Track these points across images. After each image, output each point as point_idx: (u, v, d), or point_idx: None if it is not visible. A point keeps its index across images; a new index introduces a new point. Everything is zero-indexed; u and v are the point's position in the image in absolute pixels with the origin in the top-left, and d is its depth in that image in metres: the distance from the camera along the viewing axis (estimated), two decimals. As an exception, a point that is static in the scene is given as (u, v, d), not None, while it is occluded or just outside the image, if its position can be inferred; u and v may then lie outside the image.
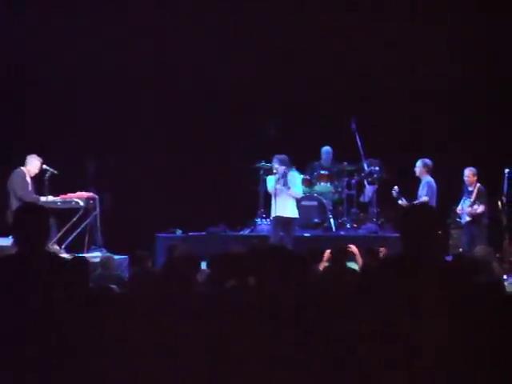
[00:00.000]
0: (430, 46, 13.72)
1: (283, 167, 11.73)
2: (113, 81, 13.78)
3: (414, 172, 12.02)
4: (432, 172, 11.97)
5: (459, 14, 13.41)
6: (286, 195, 11.79)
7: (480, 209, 11.85)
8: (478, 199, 11.90)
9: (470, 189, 12.05)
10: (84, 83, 13.73)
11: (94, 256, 11.46)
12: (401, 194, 11.93)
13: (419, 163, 12.02)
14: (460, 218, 12.29)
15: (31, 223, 4.16)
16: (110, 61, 13.77)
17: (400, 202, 11.91)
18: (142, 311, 4.17)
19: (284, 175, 11.72)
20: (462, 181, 12.13)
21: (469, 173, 12.07)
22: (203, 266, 7.72)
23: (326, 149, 13.92)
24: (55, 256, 4.42)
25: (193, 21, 13.87)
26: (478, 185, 12.02)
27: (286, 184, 11.74)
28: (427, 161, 12.03)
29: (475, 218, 11.87)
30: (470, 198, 11.98)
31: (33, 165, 11.86)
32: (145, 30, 13.78)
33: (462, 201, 12.12)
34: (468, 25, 13.33)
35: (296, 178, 12.06)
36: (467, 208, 11.97)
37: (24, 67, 13.55)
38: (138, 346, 4.11)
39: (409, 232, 3.98)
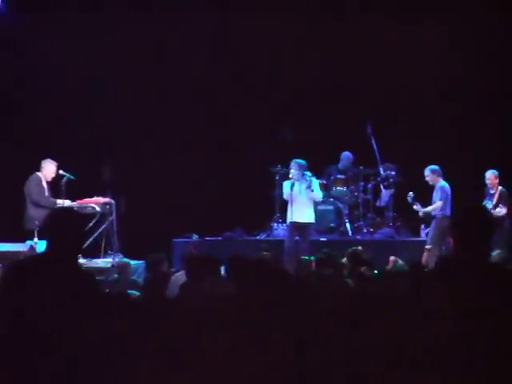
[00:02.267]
0: (445, 47, 13.68)
1: (298, 172, 11.72)
2: (127, 86, 13.81)
3: (427, 182, 11.98)
4: (443, 175, 11.92)
5: (471, 14, 13.37)
6: (303, 200, 11.78)
7: (503, 211, 11.75)
8: (500, 201, 11.81)
9: (492, 191, 11.96)
10: (99, 88, 13.76)
11: (111, 261, 11.50)
12: (415, 199, 11.90)
13: (427, 172, 11.96)
14: None
15: (70, 228, 4.20)
16: (124, 65, 13.81)
17: (415, 207, 11.89)
18: (159, 315, 4.18)
19: (301, 179, 11.71)
20: (484, 184, 12.05)
21: (491, 175, 11.98)
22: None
23: (347, 154, 13.87)
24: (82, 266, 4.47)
25: (204, 20, 13.87)
26: (500, 187, 11.93)
27: (309, 186, 11.75)
28: (433, 167, 11.97)
29: (497, 220, 11.76)
30: (491, 200, 11.89)
31: (48, 169, 11.89)
32: (154, 32, 13.80)
33: (484, 203, 12.00)
34: (482, 25, 13.30)
35: (314, 182, 12.04)
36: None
37: (38, 72, 13.60)
38: (157, 350, 4.11)
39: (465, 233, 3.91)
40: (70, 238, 4.19)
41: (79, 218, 4.42)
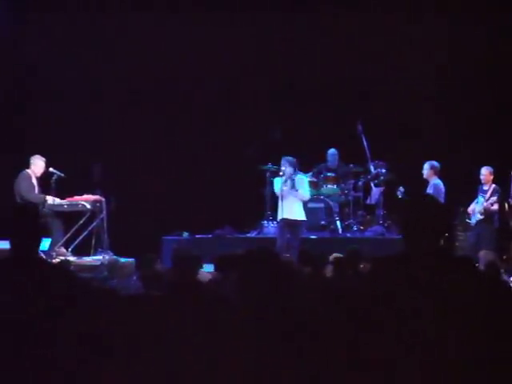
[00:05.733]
0: (436, 46, 13.70)
1: (290, 169, 11.72)
2: (119, 82, 13.82)
3: (422, 174, 11.99)
4: (439, 174, 11.93)
5: (462, 14, 13.39)
6: (293, 197, 11.77)
7: (495, 206, 11.75)
8: (493, 196, 11.80)
9: (485, 188, 11.96)
10: (89, 85, 13.75)
11: (101, 259, 11.48)
12: (406, 194, 11.89)
13: (426, 166, 11.99)
14: (469, 219, 12.14)
15: (22, 225, 4.12)
16: (114, 61, 13.81)
17: (406, 203, 11.86)
18: (149, 313, 4.16)
19: (291, 177, 11.71)
20: (478, 180, 12.03)
21: (485, 171, 11.96)
22: (210, 268, 7.74)
23: (332, 151, 13.92)
24: (44, 260, 4.38)
25: (203, 20, 13.87)
26: (494, 185, 11.94)
27: (293, 186, 11.74)
28: (434, 163, 11.99)
29: (487, 215, 11.74)
30: (484, 196, 11.88)
31: (37, 165, 11.88)
32: (149, 30, 13.81)
33: (476, 200, 12.01)
34: (472, 24, 13.33)
35: (303, 180, 12.04)
36: (480, 207, 11.86)
37: (29, 69, 13.57)
38: (144, 349, 4.09)
39: (409, 226, 3.69)
40: (31, 234, 4.12)
41: (36, 213, 4.34)
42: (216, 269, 7.17)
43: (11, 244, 4.15)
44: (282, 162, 11.88)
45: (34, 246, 4.16)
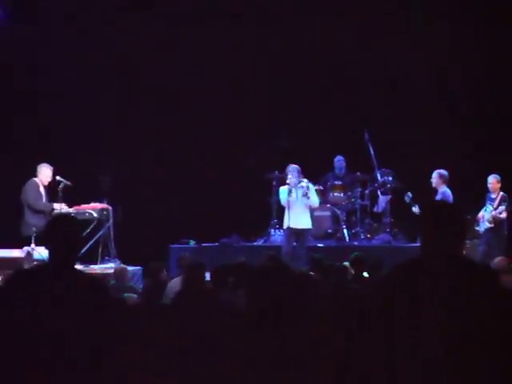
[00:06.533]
0: (443, 52, 13.69)
1: (296, 178, 11.74)
2: (125, 93, 13.83)
3: (431, 183, 11.97)
4: (448, 182, 11.91)
5: (462, 14, 13.38)
6: (300, 206, 11.79)
7: (504, 214, 11.72)
8: (501, 205, 11.78)
9: (493, 196, 11.94)
10: (97, 95, 13.78)
11: (108, 267, 11.48)
12: (414, 200, 11.87)
13: (435, 174, 11.97)
14: (478, 226, 12.11)
15: (66, 234, 4.13)
16: (124, 72, 13.83)
17: (414, 209, 11.86)
18: (156, 322, 4.16)
19: (301, 185, 11.73)
20: (486, 189, 12.01)
21: (493, 180, 11.95)
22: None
23: (339, 157, 13.94)
24: (81, 271, 4.37)
25: (205, 29, 13.89)
26: (502, 193, 11.92)
27: (305, 194, 11.76)
28: (443, 172, 11.97)
29: (496, 223, 11.71)
30: (492, 204, 11.87)
31: (44, 173, 11.88)
32: (149, 29, 13.82)
33: (484, 208, 12.00)
34: (472, 24, 13.31)
35: (311, 188, 12.06)
36: (488, 215, 11.83)
37: (29, 69, 13.60)
38: (151, 357, 4.09)
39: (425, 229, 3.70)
40: (71, 244, 4.14)
41: (78, 223, 4.37)
42: (212, 279, 7.18)
43: (49, 252, 4.17)
44: (289, 170, 11.90)
45: (71, 255, 4.17)
